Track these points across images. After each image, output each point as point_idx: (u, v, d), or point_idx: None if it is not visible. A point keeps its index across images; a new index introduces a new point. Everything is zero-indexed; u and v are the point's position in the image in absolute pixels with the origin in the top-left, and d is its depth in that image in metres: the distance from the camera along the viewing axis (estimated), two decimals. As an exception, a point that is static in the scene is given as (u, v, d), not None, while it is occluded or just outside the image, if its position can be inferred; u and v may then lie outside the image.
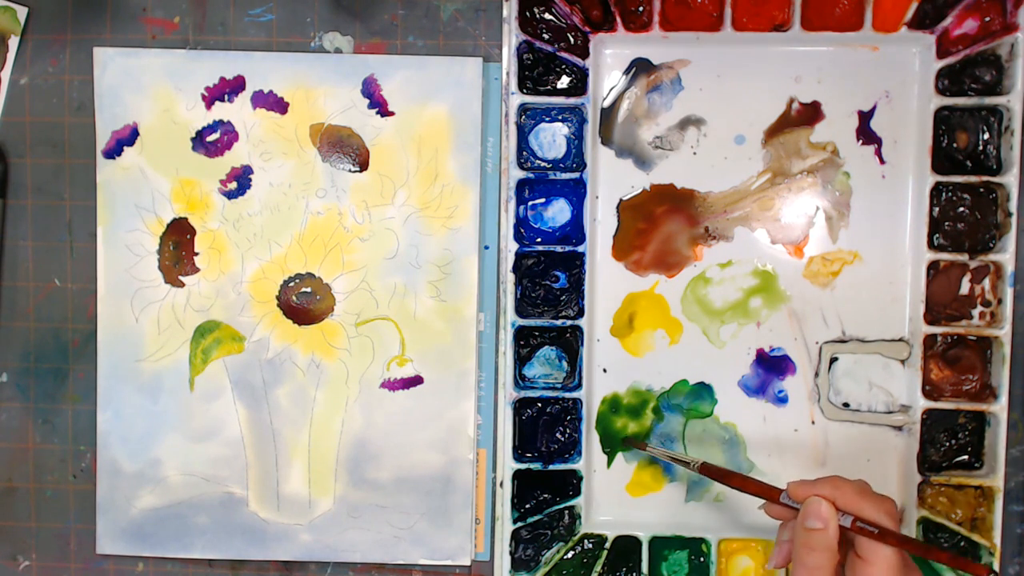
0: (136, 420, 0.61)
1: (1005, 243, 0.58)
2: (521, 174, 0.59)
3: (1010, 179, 0.57)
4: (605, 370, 0.61)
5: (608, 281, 0.60)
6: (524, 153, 0.60)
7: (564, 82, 0.59)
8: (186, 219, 0.61)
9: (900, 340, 0.60)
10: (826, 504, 0.47)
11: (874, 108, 0.59)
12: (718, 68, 0.60)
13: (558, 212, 0.60)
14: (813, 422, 0.60)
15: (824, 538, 0.47)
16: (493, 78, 0.60)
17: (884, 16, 0.58)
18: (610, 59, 0.60)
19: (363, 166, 0.60)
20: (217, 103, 0.60)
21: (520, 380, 0.60)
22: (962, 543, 0.59)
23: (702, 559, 0.60)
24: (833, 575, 0.47)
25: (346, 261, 0.60)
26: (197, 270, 0.61)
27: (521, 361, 0.60)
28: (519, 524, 0.60)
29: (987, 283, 0.58)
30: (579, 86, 0.59)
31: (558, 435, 0.60)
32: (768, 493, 0.51)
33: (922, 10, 0.57)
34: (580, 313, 0.60)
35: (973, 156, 0.58)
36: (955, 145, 0.58)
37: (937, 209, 0.59)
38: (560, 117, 0.59)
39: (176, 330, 0.61)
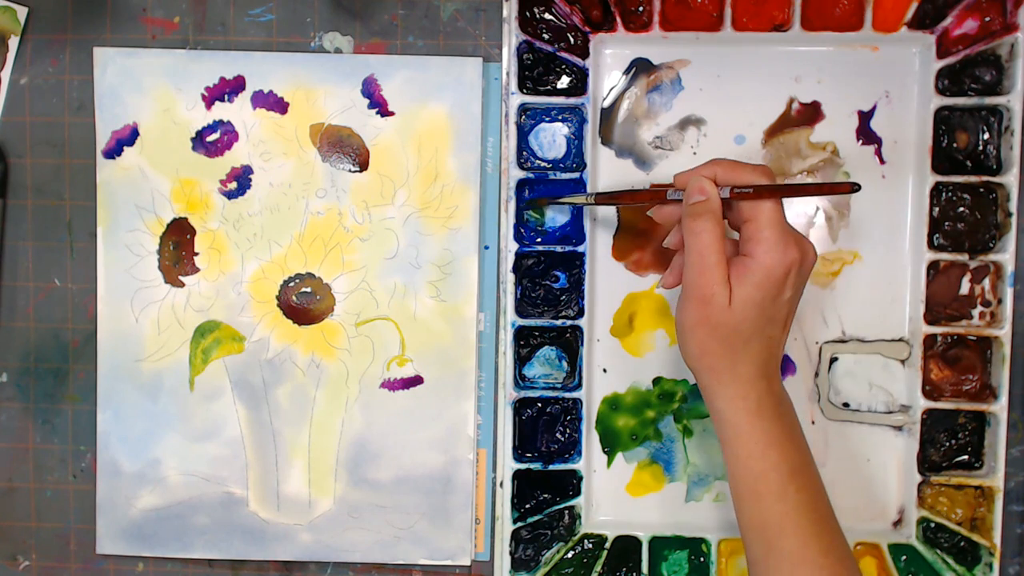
0: (136, 420, 0.61)
1: (1005, 243, 0.58)
2: (521, 174, 0.59)
3: (1010, 179, 0.57)
4: (605, 370, 0.61)
5: (608, 281, 0.60)
6: (524, 153, 0.60)
7: (564, 82, 0.59)
8: (186, 219, 0.61)
9: (900, 340, 0.60)
10: (702, 179, 0.50)
11: (874, 108, 0.59)
12: (718, 68, 0.60)
13: (558, 212, 0.60)
14: (813, 422, 0.60)
15: (707, 205, 0.49)
16: (493, 78, 0.60)
17: (884, 16, 0.58)
18: (610, 59, 0.60)
19: (363, 166, 0.60)
20: (217, 103, 0.60)
21: (520, 380, 0.60)
22: (962, 543, 0.59)
23: (702, 559, 0.60)
24: (721, 247, 0.49)
25: (346, 261, 0.60)
26: (197, 270, 0.61)
27: (521, 361, 0.60)
28: (519, 524, 0.60)
29: (987, 283, 0.59)
30: (579, 86, 0.59)
31: (558, 435, 0.60)
32: (658, 196, 0.53)
33: (922, 10, 0.57)
34: (580, 313, 0.60)
35: (973, 156, 0.58)
36: (955, 145, 0.58)
37: (937, 209, 0.59)
38: (560, 117, 0.59)
39: (176, 330, 0.61)
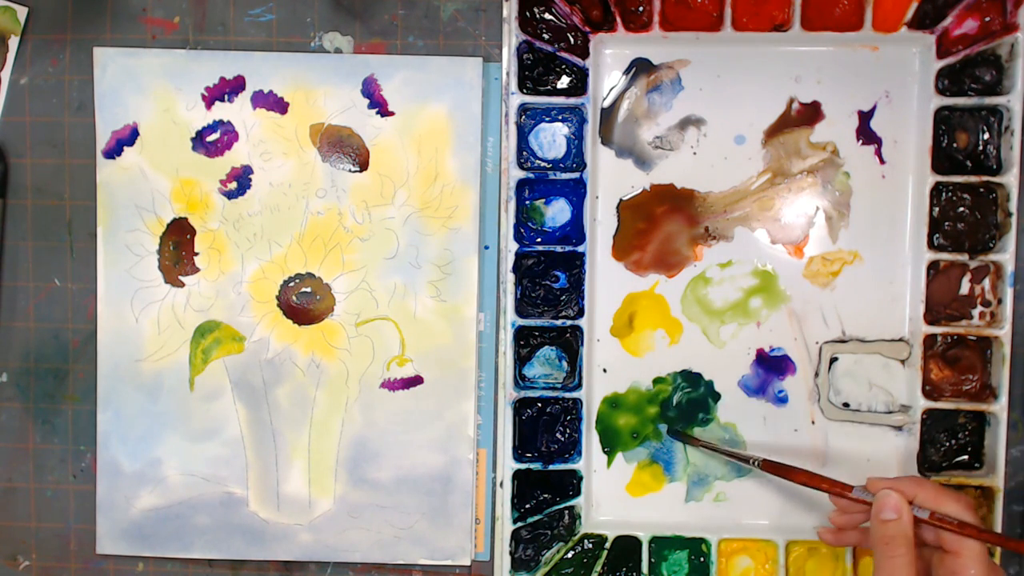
0: (136, 420, 0.61)
1: (1005, 243, 0.58)
2: (521, 174, 0.59)
3: (1010, 179, 0.57)
4: (605, 370, 0.61)
5: (608, 281, 0.60)
6: (524, 153, 0.60)
7: (564, 82, 0.59)
8: (186, 219, 0.61)
9: (900, 340, 0.60)
10: (896, 495, 0.49)
11: (874, 108, 0.59)
12: (718, 68, 0.60)
13: (558, 212, 0.60)
14: (813, 422, 0.60)
15: (899, 526, 0.49)
16: (493, 78, 0.60)
17: (884, 16, 0.58)
18: (610, 59, 0.60)
19: (363, 166, 0.60)
20: (217, 103, 0.60)
21: (520, 380, 0.60)
22: (962, 543, 0.59)
23: (702, 559, 0.60)
24: (914, 569, 0.48)
25: (346, 261, 0.60)
26: (197, 270, 0.61)
27: (521, 361, 0.60)
28: (519, 524, 0.60)
29: (987, 283, 0.58)
30: (579, 86, 0.59)
31: (558, 435, 0.60)
32: (838, 489, 0.53)
33: (922, 10, 0.57)
34: (580, 313, 0.60)
35: (973, 156, 0.58)
36: (955, 145, 0.58)
37: (937, 209, 0.59)
38: (560, 117, 0.59)
39: (176, 330, 0.61)
